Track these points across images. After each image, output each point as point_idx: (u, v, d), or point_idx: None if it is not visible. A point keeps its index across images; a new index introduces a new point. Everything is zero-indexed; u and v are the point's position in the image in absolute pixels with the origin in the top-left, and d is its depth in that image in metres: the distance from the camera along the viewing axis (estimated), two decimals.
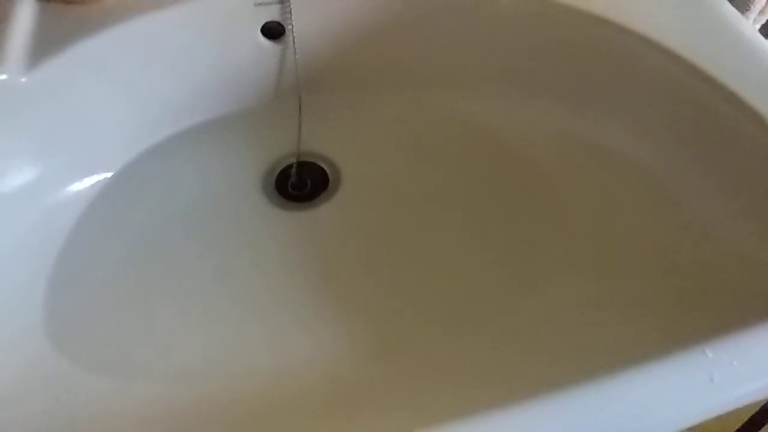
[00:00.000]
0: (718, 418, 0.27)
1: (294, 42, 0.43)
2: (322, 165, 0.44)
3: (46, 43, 0.36)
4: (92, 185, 0.40)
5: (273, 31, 0.43)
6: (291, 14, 0.41)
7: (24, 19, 0.37)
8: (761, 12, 0.57)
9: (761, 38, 0.39)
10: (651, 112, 0.40)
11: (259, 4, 0.41)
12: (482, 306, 0.36)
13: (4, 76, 0.35)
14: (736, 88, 0.35)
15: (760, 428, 0.40)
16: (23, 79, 0.35)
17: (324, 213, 0.41)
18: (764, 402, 0.34)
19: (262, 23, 0.42)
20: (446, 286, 0.37)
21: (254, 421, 0.31)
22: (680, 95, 0.38)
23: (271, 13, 0.41)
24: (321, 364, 0.33)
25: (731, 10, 0.41)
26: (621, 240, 0.37)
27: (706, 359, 0.26)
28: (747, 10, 0.55)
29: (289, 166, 0.43)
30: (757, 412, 0.39)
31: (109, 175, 0.41)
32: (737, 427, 0.41)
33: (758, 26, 0.58)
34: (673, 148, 0.39)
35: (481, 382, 0.31)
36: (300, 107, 0.45)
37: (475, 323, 0.35)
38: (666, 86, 0.39)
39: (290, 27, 0.42)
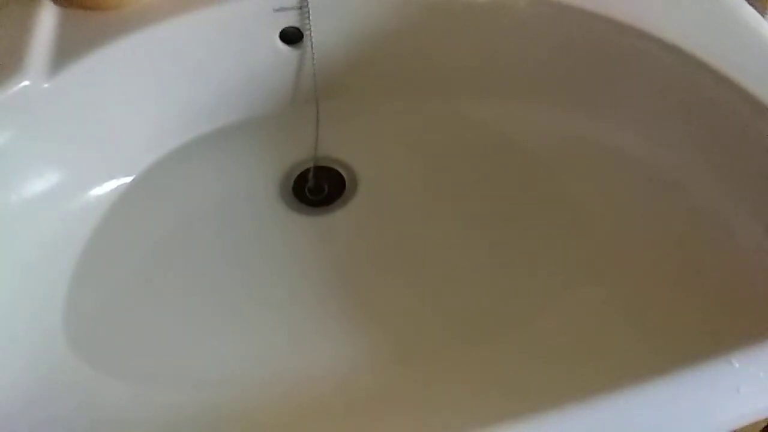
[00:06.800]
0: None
1: (312, 47, 0.43)
2: (339, 170, 0.44)
3: (68, 50, 0.37)
4: (112, 190, 0.41)
5: (291, 37, 0.43)
6: (309, 20, 0.42)
7: (46, 25, 0.38)
8: None
9: None
10: (670, 116, 0.40)
11: (278, 9, 0.41)
12: (501, 313, 0.35)
13: (26, 83, 0.35)
14: (757, 90, 0.35)
15: None
16: (46, 85, 0.36)
17: (341, 218, 0.41)
18: None
19: (280, 29, 0.42)
20: (465, 292, 0.37)
21: (274, 427, 0.31)
22: (700, 99, 0.38)
23: (290, 19, 0.42)
24: (340, 370, 0.33)
25: (751, 11, 0.41)
26: (643, 247, 0.37)
27: (732, 369, 0.26)
28: (767, 11, 0.55)
29: (306, 171, 0.43)
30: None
31: (129, 179, 0.41)
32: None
33: None
34: (693, 153, 0.38)
35: (500, 389, 0.31)
36: (317, 112, 0.45)
37: (495, 330, 0.35)
38: (686, 90, 0.38)
39: (308, 32, 0.42)
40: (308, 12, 0.41)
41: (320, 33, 0.42)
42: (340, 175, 0.43)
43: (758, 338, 0.27)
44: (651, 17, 0.39)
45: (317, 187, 0.43)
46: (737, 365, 0.26)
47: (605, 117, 0.42)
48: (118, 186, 0.41)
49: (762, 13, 0.43)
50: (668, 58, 0.38)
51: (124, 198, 0.41)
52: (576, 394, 0.25)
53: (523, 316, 0.35)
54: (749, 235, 0.35)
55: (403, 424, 0.30)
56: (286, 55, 0.43)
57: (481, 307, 0.36)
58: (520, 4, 0.41)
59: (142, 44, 0.38)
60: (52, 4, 0.39)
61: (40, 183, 0.37)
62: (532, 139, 0.44)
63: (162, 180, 0.42)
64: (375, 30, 0.43)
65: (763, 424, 0.38)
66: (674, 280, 0.35)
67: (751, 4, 0.41)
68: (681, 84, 0.38)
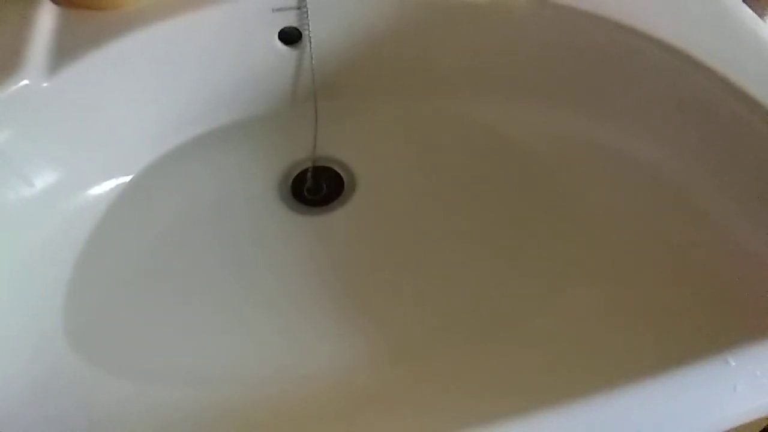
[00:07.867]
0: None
1: (311, 47, 0.43)
2: (338, 170, 0.44)
3: (68, 49, 0.37)
4: (111, 189, 0.41)
5: (290, 37, 0.43)
6: (308, 20, 0.42)
7: (45, 25, 0.38)
8: None
9: None
10: (669, 117, 0.40)
11: (277, 9, 0.41)
12: (499, 313, 0.36)
13: (26, 82, 0.35)
14: (756, 92, 0.35)
15: None
16: (45, 84, 0.36)
17: (339, 217, 0.41)
18: None
19: (279, 29, 0.42)
20: (462, 292, 0.37)
21: (272, 426, 0.31)
22: (700, 100, 0.38)
23: (289, 19, 0.42)
24: (338, 370, 0.33)
25: (750, 13, 0.41)
26: (640, 246, 0.37)
27: (729, 368, 0.26)
28: (766, 14, 0.55)
29: (305, 171, 0.44)
30: None
31: (127, 178, 0.42)
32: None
33: None
34: (692, 155, 0.38)
35: (497, 389, 0.31)
36: (316, 112, 0.45)
37: (492, 330, 0.35)
38: (685, 92, 0.38)
39: (307, 32, 0.42)
40: (307, 12, 0.41)
41: (319, 33, 0.42)
42: (339, 174, 0.44)
43: (755, 337, 0.27)
44: (650, 19, 0.39)
45: (316, 187, 0.43)
46: (734, 364, 0.26)
47: (604, 117, 0.42)
48: (116, 185, 0.41)
49: (760, 14, 0.43)
50: (668, 59, 0.38)
51: (123, 197, 0.41)
52: (573, 393, 0.25)
53: (520, 315, 0.35)
54: (746, 235, 0.35)
55: (400, 423, 0.30)
56: (285, 55, 0.43)
57: (478, 306, 0.36)
58: (520, 4, 0.41)
59: (141, 44, 0.38)
60: (51, 3, 0.39)
61: (38, 182, 0.37)
62: (531, 139, 0.44)
63: (160, 179, 0.42)
64: (374, 30, 0.43)
65: (763, 425, 0.38)
66: (672, 279, 0.35)
67: (749, 6, 0.42)
68: (681, 86, 0.38)
